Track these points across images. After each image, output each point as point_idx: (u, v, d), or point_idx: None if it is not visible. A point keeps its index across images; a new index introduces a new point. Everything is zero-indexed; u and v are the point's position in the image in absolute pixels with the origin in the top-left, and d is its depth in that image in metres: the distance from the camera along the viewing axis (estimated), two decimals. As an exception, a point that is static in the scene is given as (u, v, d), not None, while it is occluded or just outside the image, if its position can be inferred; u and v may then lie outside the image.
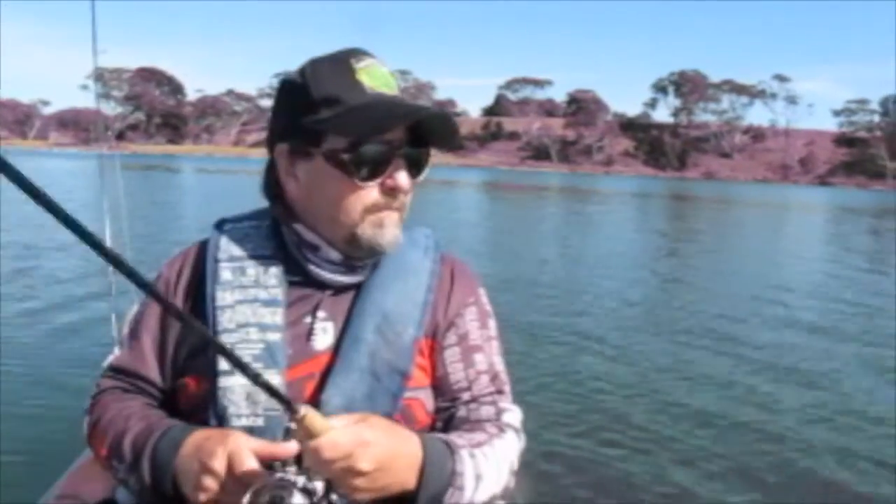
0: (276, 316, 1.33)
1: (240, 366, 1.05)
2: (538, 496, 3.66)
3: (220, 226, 1.45)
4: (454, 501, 1.21)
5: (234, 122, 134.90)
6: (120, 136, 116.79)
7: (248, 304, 1.34)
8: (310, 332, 1.35)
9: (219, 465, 1.13)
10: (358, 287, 1.39)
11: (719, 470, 4.32)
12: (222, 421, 1.28)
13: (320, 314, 1.36)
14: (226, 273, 1.37)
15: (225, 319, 1.33)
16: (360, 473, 1.09)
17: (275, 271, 1.37)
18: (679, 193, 56.31)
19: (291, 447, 1.13)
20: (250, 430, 1.25)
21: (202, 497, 1.15)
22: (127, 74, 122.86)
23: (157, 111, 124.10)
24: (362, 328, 1.34)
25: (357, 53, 1.33)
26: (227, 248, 1.40)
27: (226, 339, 1.30)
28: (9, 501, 3.28)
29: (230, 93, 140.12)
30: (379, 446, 1.11)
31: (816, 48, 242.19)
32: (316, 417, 1.07)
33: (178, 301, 1.39)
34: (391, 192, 1.31)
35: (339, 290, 1.39)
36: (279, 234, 1.40)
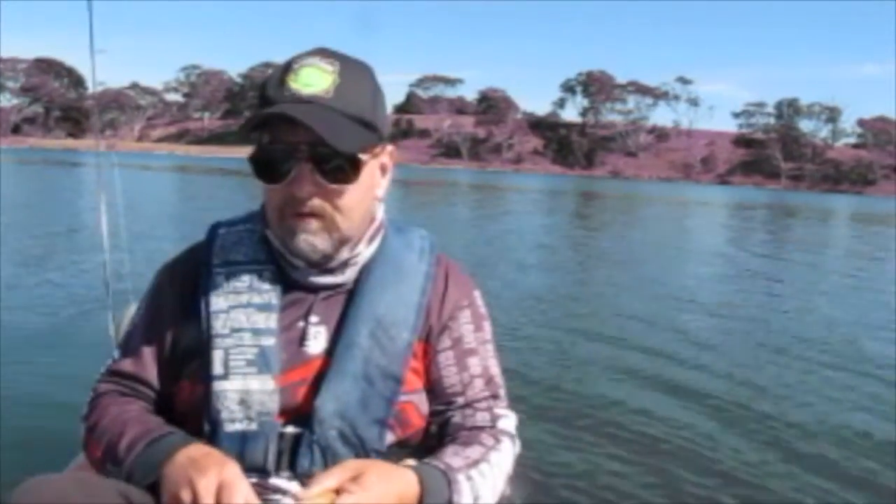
0: (270, 321, 1.32)
1: None
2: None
3: (214, 230, 1.43)
4: None
5: (139, 117, 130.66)
6: (16, 130, 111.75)
7: (242, 308, 1.33)
8: (302, 337, 1.34)
9: (205, 485, 1.10)
10: (350, 290, 1.38)
11: (714, 469, 4.20)
12: (215, 425, 1.29)
13: (312, 318, 1.35)
14: (220, 278, 1.36)
15: (219, 325, 1.32)
16: None
17: (268, 276, 1.36)
18: (586, 190, 57.28)
19: None
20: (243, 435, 1.27)
21: None
22: (23, 65, 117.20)
23: (56, 104, 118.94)
24: (356, 333, 1.33)
25: (310, 54, 1.30)
26: (221, 252, 1.39)
27: (220, 345, 1.31)
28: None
29: (135, 86, 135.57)
30: None
31: (717, 52, 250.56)
32: (311, 496, 1.08)
33: (174, 306, 1.39)
34: (293, 197, 1.27)
35: (331, 293, 1.37)
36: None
